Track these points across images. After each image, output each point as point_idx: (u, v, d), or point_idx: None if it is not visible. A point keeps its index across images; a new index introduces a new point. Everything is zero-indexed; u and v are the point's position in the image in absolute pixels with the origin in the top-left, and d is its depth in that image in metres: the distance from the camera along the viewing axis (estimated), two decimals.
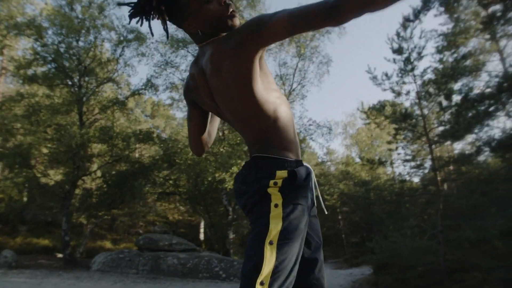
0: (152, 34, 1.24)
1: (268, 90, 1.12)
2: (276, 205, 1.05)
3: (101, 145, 13.20)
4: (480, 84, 10.06)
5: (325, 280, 1.21)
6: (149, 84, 13.59)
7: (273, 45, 14.14)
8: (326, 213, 1.34)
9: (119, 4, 1.17)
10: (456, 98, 8.84)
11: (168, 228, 17.42)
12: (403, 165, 11.02)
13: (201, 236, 19.52)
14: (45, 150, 12.42)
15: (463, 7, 11.28)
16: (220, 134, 14.05)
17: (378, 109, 10.48)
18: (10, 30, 12.25)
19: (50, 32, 12.52)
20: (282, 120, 1.14)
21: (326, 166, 30.27)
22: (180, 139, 15.45)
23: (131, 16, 1.14)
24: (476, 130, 8.20)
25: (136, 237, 16.12)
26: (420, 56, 8.85)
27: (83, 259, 12.77)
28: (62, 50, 12.50)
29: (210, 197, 15.55)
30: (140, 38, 13.38)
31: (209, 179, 11.80)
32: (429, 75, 9.17)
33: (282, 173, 1.07)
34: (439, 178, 9.08)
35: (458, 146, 17.14)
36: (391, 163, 17.16)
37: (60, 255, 12.95)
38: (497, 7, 9.38)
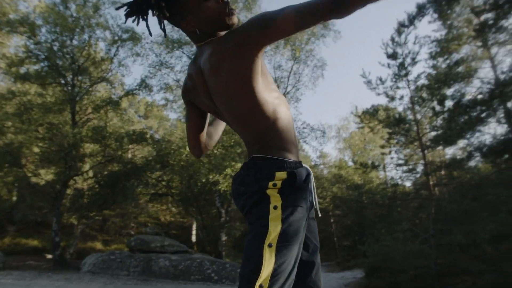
0: (150, 34, 1.23)
1: (267, 90, 1.12)
2: (275, 207, 1.04)
3: (93, 145, 13.06)
4: (472, 90, 10.22)
5: (321, 283, 1.21)
6: (143, 85, 13.51)
7: (268, 48, 14.18)
8: (320, 215, 1.34)
9: (117, 8, 1.15)
10: (449, 103, 8.97)
11: (160, 229, 17.26)
12: (395, 169, 11.13)
13: (193, 238, 19.41)
14: (36, 149, 12.25)
15: (456, 14, 11.44)
16: None
17: (371, 113, 10.58)
18: (2, 27, 12.07)
19: (43, 30, 12.39)
20: (281, 121, 1.14)
21: (319, 169, 30.36)
22: (173, 140, 15.38)
23: (128, 16, 1.12)
24: (468, 136, 8.32)
25: (128, 238, 15.96)
26: (414, 62, 8.97)
27: (73, 260, 12.60)
28: (55, 48, 12.36)
29: (203, 199, 15.49)
30: (135, 38, 13.29)
31: (203, 180, 11.75)
32: (423, 81, 9.30)
33: (281, 174, 1.07)
34: (431, 183, 9.17)
35: (450, 151, 17.33)
36: (384, 167, 17.29)
37: (49, 256, 12.75)
38: (489, 15, 9.55)
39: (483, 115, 8.02)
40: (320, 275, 1.22)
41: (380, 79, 9.42)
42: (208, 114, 1.36)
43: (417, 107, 9.53)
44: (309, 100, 56.73)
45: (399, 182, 12.23)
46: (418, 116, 9.52)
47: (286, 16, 1.00)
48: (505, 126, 9.68)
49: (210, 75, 1.11)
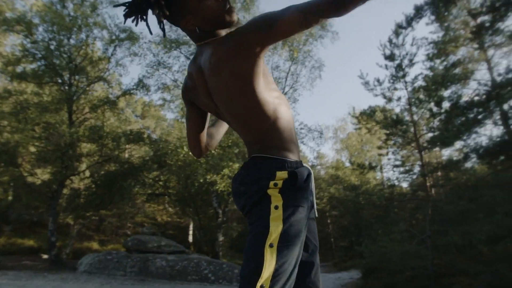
0: (151, 33, 1.23)
1: (268, 90, 1.11)
2: (276, 207, 1.03)
3: (90, 145, 13.01)
4: (469, 92, 10.28)
5: (320, 284, 1.21)
6: (141, 84, 13.47)
7: None
8: (317, 216, 1.34)
9: (115, 6, 1.14)
10: (446, 105, 9.02)
11: (156, 229, 17.21)
12: (392, 170, 11.16)
13: (190, 238, 19.38)
14: (32, 149, 12.18)
15: (453, 16, 11.50)
16: None
17: (368, 114, 10.61)
18: None
19: (40, 29, 12.33)
20: (282, 120, 1.14)
21: (316, 170, 30.41)
22: (171, 140, 15.34)
23: (127, 16, 1.11)
24: (464, 137, 8.36)
25: (124, 238, 15.91)
26: (411, 63, 9.00)
27: (70, 260, 12.54)
28: (52, 47, 12.30)
29: (200, 199, 15.46)
30: (132, 38, 13.26)
31: (201, 180, 11.73)
32: (420, 82, 9.34)
33: (282, 174, 1.06)
34: (428, 184, 9.21)
35: (446, 153, 17.41)
36: (381, 168, 17.34)
37: (45, 256, 12.68)
38: (486, 17, 9.61)
39: (480, 116, 8.07)
40: (319, 276, 1.21)
41: (378, 80, 9.45)
42: (209, 114, 1.36)
43: (414, 109, 9.57)
44: (307, 101, 56.84)
45: (396, 183, 12.28)
46: (415, 118, 9.56)
47: (289, 17, 1.00)
48: (501, 127, 9.75)
49: (210, 75, 1.11)
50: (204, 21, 1.11)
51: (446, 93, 9.36)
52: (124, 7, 1.11)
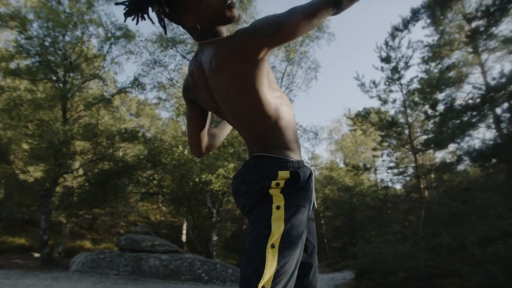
0: (165, 32, 1.23)
1: (270, 90, 1.11)
2: (278, 207, 1.03)
3: (84, 143, 12.91)
4: (463, 95, 10.40)
5: (318, 285, 1.21)
6: (136, 83, 13.39)
7: None
8: (312, 217, 1.33)
9: (116, 4, 1.13)
10: (440, 108, 9.10)
11: (150, 228, 17.12)
12: (386, 172, 11.24)
13: (183, 238, 19.31)
14: (25, 146, 12.05)
15: (448, 20, 11.62)
16: None
17: (363, 116, 10.67)
18: None
19: (35, 25, 12.20)
20: (283, 120, 1.14)
21: None
22: (165, 139, 15.27)
23: (127, 15, 1.10)
24: (458, 140, 8.45)
25: (117, 237, 15.80)
26: (407, 66, 9.07)
27: (62, 259, 12.42)
28: (47, 44, 12.18)
29: (194, 199, 15.41)
30: (128, 36, 13.19)
31: (196, 180, 11.70)
32: (415, 85, 9.41)
33: (284, 174, 1.06)
34: (422, 186, 9.28)
35: (440, 155, 17.59)
36: (375, 170, 17.44)
37: (37, 255, 12.56)
38: (480, 22, 9.73)
39: (474, 120, 8.16)
40: (317, 277, 1.21)
41: (374, 82, 9.51)
42: (209, 113, 1.35)
43: (408, 111, 9.65)
44: (302, 102, 56.98)
45: (390, 184, 12.37)
46: (410, 120, 9.65)
47: (296, 21, 1.01)
48: (494, 131, 9.88)
49: (211, 75, 1.10)
50: (205, 18, 1.10)
51: (440, 96, 9.47)
52: (124, 6, 1.10)
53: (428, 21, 10.68)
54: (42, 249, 11.40)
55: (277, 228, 1.00)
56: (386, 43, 9.24)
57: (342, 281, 12.28)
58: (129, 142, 13.02)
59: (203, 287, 9.28)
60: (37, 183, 12.58)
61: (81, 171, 14.12)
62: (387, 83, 9.39)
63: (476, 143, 9.36)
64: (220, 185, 11.30)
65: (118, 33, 13.05)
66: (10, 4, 12.38)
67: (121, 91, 13.58)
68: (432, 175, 12.05)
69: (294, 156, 1.13)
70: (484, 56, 11.03)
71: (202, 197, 15.22)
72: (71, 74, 12.87)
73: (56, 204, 13.32)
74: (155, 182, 14.84)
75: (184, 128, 19.33)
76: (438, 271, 7.94)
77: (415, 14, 9.25)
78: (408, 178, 11.53)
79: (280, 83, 16.21)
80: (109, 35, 13.01)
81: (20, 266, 10.69)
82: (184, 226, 19.37)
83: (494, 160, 8.99)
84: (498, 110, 9.40)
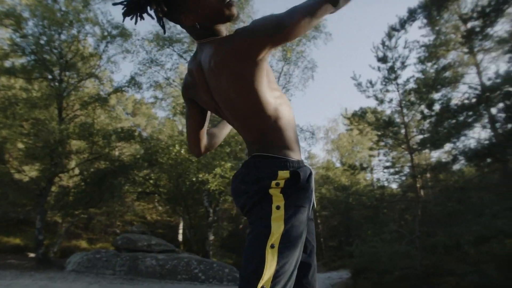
0: (164, 32, 1.22)
1: (269, 90, 1.11)
2: (278, 207, 1.03)
3: (80, 142, 12.83)
4: (458, 95, 10.46)
5: (317, 285, 1.21)
6: (133, 82, 13.33)
7: None
8: (312, 217, 1.33)
9: (114, 4, 1.12)
10: (436, 107, 9.16)
11: (146, 228, 17.08)
12: (382, 171, 11.29)
13: (180, 237, 19.28)
14: (20, 145, 11.96)
15: (444, 21, 11.69)
16: None
17: (360, 116, 10.70)
18: None
19: (30, 23, 12.09)
20: (283, 120, 1.13)
21: None
22: (162, 138, 15.23)
23: (125, 14, 1.09)
24: (455, 140, 8.50)
25: (113, 236, 15.74)
26: (403, 66, 9.10)
27: (57, 259, 12.36)
28: (42, 42, 12.08)
29: (191, 198, 15.39)
30: (125, 34, 13.12)
31: (193, 179, 11.68)
32: (412, 85, 9.45)
33: (284, 174, 1.06)
34: (418, 185, 9.33)
35: (435, 154, 17.69)
36: (371, 169, 17.51)
37: (32, 255, 12.47)
38: (476, 23, 9.80)
39: (470, 120, 8.22)
40: (316, 277, 1.22)
41: (370, 82, 9.53)
42: (209, 112, 1.35)
43: (405, 111, 9.70)
44: (299, 101, 56.97)
45: (386, 184, 12.43)
46: (406, 119, 9.70)
47: (297, 22, 1.01)
48: (489, 130, 9.96)
49: (211, 74, 1.10)
50: (204, 16, 1.09)
51: (436, 96, 9.53)
52: (122, 6, 1.09)
53: (425, 21, 10.74)
54: (37, 249, 11.32)
55: (277, 228, 1.00)
56: (383, 43, 9.28)
57: (339, 280, 12.31)
58: (126, 142, 12.97)
59: (200, 287, 9.27)
60: (33, 183, 12.50)
61: (77, 171, 14.04)
62: (383, 83, 9.43)
63: (472, 143, 9.44)
64: (217, 185, 11.29)
65: (114, 32, 12.99)
66: (5, 1, 12.26)
67: (118, 90, 13.51)
68: (428, 175, 12.12)
69: (294, 156, 1.13)
70: (479, 56, 11.12)
71: (199, 196, 15.20)
72: (67, 73, 12.78)
73: (51, 203, 13.24)
74: (151, 181, 14.81)
75: (180, 127, 19.29)
76: (433, 270, 7.99)
77: (412, 14, 9.29)
78: (404, 178, 11.60)
79: (277, 82, 16.17)
80: (105, 34, 12.94)
81: (15, 266, 10.62)
82: (181, 226, 19.33)
83: (489, 160, 9.06)
84: (493, 110, 9.50)
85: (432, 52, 10.88)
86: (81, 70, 13.09)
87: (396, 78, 9.25)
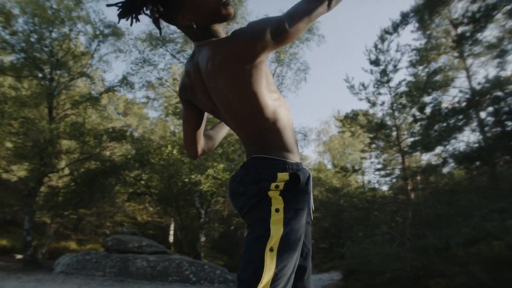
0: (161, 33, 1.22)
1: (268, 92, 1.11)
2: (277, 210, 1.03)
3: (70, 142, 12.66)
4: (448, 98, 10.63)
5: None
6: (125, 81, 13.21)
7: None
8: (312, 220, 1.33)
9: (108, 5, 1.11)
10: (427, 111, 9.29)
11: (136, 229, 16.91)
12: (373, 173, 11.38)
13: (171, 238, 19.13)
14: (9, 144, 11.74)
15: (435, 25, 11.87)
16: None
17: (351, 118, 10.78)
18: None
19: (20, 20, 11.90)
20: (281, 122, 1.13)
21: None
22: (154, 139, 15.11)
23: (121, 16, 1.08)
24: (446, 143, 8.63)
25: (103, 238, 15.55)
26: (395, 69, 9.20)
27: (46, 260, 12.15)
28: (33, 40, 11.90)
29: (182, 199, 15.29)
30: (117, 34, 13.01)
31: (185, 180, 11.61)
32: (403, 88, 9.57)
33: (283, 176, 1.06)
34: (409, 188, 9.43)
35: (425, 157, 17.91)
36: (363, 172, 17.62)
37: (19, 256, 12.24)
38: (466, 28, 9.97)
39: (460, 123, 8.35)
40: (311, 280, 1.22)
41: (363, 85, 9.61)
42: (206, 114, 1.34)
43: (396, 113, 9.81)
44: (291, 103, 57.10)
45: (377, 186, 12.53)
46: (397, 122, 9.80)
47: (296, 26, 1.03)
48: (478, 134, 10.13)
49: (209, 76, 1.09)
50: (200, 16, 1.09)
51: (427, 99, 9.66)
52: (117, 8, 1.07)
53: (417, 25, 10.89)
54: (25, 250, 11.12)
55: (276, 231, 1.00)
56: (376, 46, 9.36)
57: (330, 282, 12.36)
58: (117, 142, 12.84)
59: None
60: (21, 183, 12.28)
61: (67, 171, 13.84)
62: (376, 86, 9.52)
63: (461, 146, 9.60)
64: (209, 186, 11.24)
65: (106, 31, 12.87)
66: None
67: (109, 89, 13.38)
68: (418, 177, 12.26)
69: (292, 158, 1.13)
70: (469, 61, 11.31)
71: (191, 197, 15.12)
72: (58, 72, 12.60)
73: (40, 204, 13.03)
74: (142, 182, 14.68)
75: (172, 128, 19.17)
76: (424, 272, 8.08)
77: (404, 18, 9.42)
78: (394, 180, 11.70)
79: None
80: (98, 32, 12.81)
81: (2, 268, 10.41)
82: (172, 227, 19.19)
83: (478, 163, 9.21)
84: (482, 114, 9.67)
85: (423, 56, 11.04)
86: (73, 69, 12.93)
87: (388, 81, 9.35)
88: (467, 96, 8.67)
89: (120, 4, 1.07)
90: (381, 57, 9.33)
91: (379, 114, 10.16)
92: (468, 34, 9.79)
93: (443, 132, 8.14)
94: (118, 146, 14.77)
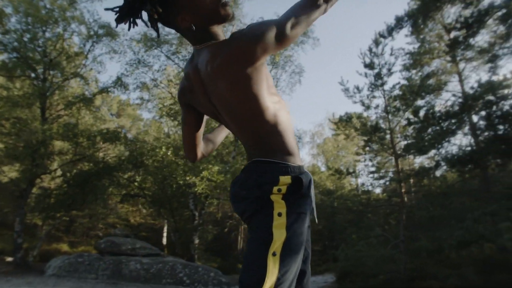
0: (158, 35, 1.21)
1: (268, 95, 1.11)
2: (279, 214, 1.02)
3: (63, 143, 12.52)
4: (441, 102, 10.75)
5: None
6: (119, 82, 13.12)
7: None
8: (317, 222, 1.33)
9: (106, 9, 1.10)
10: (421, 114, 9.38)
11: (129, 231, 16.77)
12: (367, 176, 11.45)
13: (164, 241, 19.01)
14: (0, 145, 11.57)
15: (428, 29, 12.01)
16: None
17: (345, 121, 10.84)
18: None
19: (13, 19, 11.76)
20: (282, 125, 1.13)
21: None
22: (148, 140, 15.02)
23: (119, 20, 1.07)
24: (439, 146, 8.72)
25: (95, 240, 15.39)
26: (390, 72, 9.28)
27: (37, 263, 11.95)
28: (25, 39, 11.76)
29: (176, 201, 15.21)
30: (111, 34, 12.92)
31: (180, 182, 11.55)
32: (397, 91, 9.65)
33: (285, 179, 1.05)
34: (402, 190, 9.50)
35: (418, 160, 18.08)
36: (356, 175, 17.72)
37: (9, 259, 12.03)
38: (459, 32, 10.11)
39: (453, 127, 8.46)
40: (310, 284, 1.22)
41: (357, 88, 9.67)
42: (205, 117, 1.33)
43: (389, 116, 9.89)
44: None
45: (370, 188, 12.61)
46: (391, 125, 9.88)
47: (296, 29, 1.03)
48: (469, 137, 10.27)
49: (209, 78, 1.09)
50: (199, 17, 1.08)
51: (420, 102, 9.77)
52: (115, 12, 1.07)
53: (411, 29, 11.00)
54: (15, 252, 10.95)
55: (279, 236, 0.99)
56: (370, 50, 9.44)
57: (323, 284, 12.37)
58: (111, 143, 12.72)
59: None
60: (12, 184, 12.11)
61: (59, 172, 13.68)
62: (370, 89, 9.58)
63: (454, 149, 9.72)
64: (204, 188, 11.20)
65: (101, 31, 12.77)
66: None
67: (103, 90, 13.27)
68: (412, 180, 12.36)
69: (294, 161, 1.13)
70: (461, 65, 11.46)
71: (184, 199, 15.05)
72: (51, 72, 12.46)
73: (31, 205, 12.85)
74: (136, 183, 14.58)
75: (167, 129, 19.08)
76: (417, 274, 8.14)
77: (399, 22, 9.51)
78: (388, 183, 11.79)
79: None
80: (92, 33, 12.71)
81: None
82: (165, 229, 19.07)
83: (470, 166, 9.32)
84: (475, 118, 9.81)
85: (416, 60, 11.16)
86: (66, 69, 12.79)
87: (382, 84, 9.42)
88: (460, 100, 8.78)
89: (117, 9, 1.06)
90: (376, 61, 9.41)
91: (373, 117, 10.24)
92: (460, 39, 9.92)
93: (438, 136, 8.23)
94: (111, 148, 14.64)
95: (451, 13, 11.09)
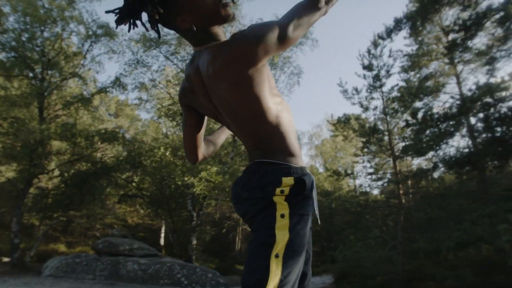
0: (159, 37, 1.20)
1: (270, 96, 1.11)
2: (282, 215, 1.02)
3: (60, 143, 12.48)
4: (439, 104, 10.79)
5: None
6: (118, 82, 13.09)
7: None
8: (319, 224, 1.33)
9: (107, 12, 1.09)
10: (419, 116, 9.41)
11: (127, 231, 16.72)
12: (365, 177, 11.47)
13: (162, 241, 18.97)
14: None
15: (426, 32, 12.06)
16: None
17: (344, 122, 10.85)
18: None
19: (11, 19, 11.72)
20: (284, 126, 1.13)
21: None
22: (146, 141, 14.99)
23: (119, 22, 1.06)
24: (437, 148, 8.75)
25: (93, 240, 15.35)
26: (388, 74, 9.31)
27: (34, 263, 11.90)
28: (24, 39, 11.72)
29: (174, 201, 15.18)
30: (110, 34, 12.90)
31: (178, 183, 11.52)
32: (396, 93, 9.68)
33: (288, 180, 1.05)
34: (400, 192, 9.52)
35: (416, 162, 18.11)
36: (354, 176, 17.74)
37: (6, 259, 11.97)
38: (457, 35, 10.15)
39: (451, 128, 8.49)
40: (311, 285, 1.22)
41: (356, 89, 9.70)
42: (206, 118, 1.33)
43: (388, 118, 9.92)
44: None
45: (368, 190, 12.62)
46: (389, 127, 9.91)
47: (298, 31, 1.03)
48: (467, 139, 10.30)
49: (210, 79, 1.08)
50: (200, 17, 1.07)
51: (418, 104, 9.80)
52: (115, 14, 1.06)
53: (409, 31, 11.04)
54: (12, 253, 10.89)
55: (282, 237, 0.99)
56: (369, 51, 9.46)
57: (322, 285, 12.37)
58: (109, 143, 12.69)
59: None
60: (9, 184, 12.06)
61: (57, 172, 13.63)
62: (369, 91, 9.61)
63: (451, 151, 9.75)
64: (202, 189, 11.19)
65: (99, 31, 12.75)
66: None
67: (102, 90, 13.24)
68: (409, 181, 12.39)
69: (296, 162, 1.13)
70: (459, 67, 11.51)
71: (183, 200, 15.02)
72: (49, 72, 12.43)
73: (29, 205, 12.80)
74: (134, 184, 14.54)
75: (165, 130, 19.05)
76: (415, 275, 8.16)
77: (398, 24, 9.55)
78: (386, 184, 11.81)
79: None
80: (90, 33, 12.68)
81: None
82: (163, 229, 19.03)
83: (468, 168, 9.35)
84: (473, 120, 9.85)
85: (415, 62, 11.20)
86: (64, 69, 12.75)
87: (381, 86, 9.45)
88: (458, 102, 8.82)
89: (117, 10, 1.05)
90: (374, 62, 9.44)
91: (372, 119, 10.27)
92: (458, 41, 9.96)
93: (436, 137, 8.26)
94: (109, 148, 14.60)
95: (449, 15, 11.16)
